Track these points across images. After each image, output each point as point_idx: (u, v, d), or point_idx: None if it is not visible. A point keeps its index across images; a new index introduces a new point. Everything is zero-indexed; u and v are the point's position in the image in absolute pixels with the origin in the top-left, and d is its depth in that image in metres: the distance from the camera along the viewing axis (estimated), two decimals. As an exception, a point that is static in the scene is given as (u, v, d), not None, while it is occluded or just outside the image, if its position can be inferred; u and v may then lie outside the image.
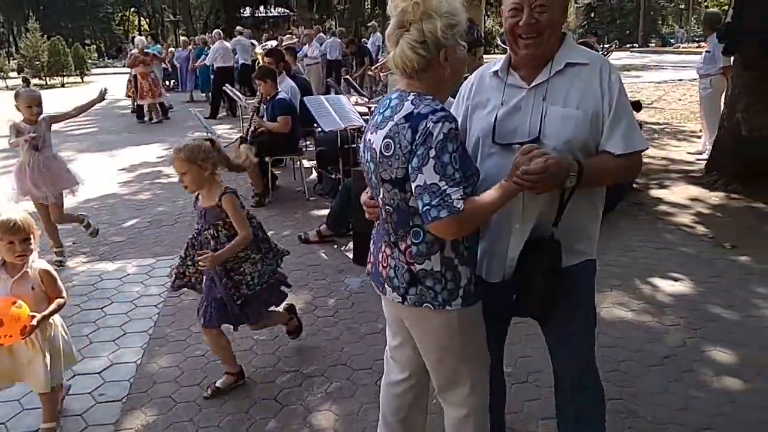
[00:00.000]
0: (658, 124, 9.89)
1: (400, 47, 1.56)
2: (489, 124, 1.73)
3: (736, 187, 5.73)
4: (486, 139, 1.73)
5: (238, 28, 14.00)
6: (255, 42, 14.09)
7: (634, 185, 6.00)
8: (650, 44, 41.46)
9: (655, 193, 5.87)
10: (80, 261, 4.51)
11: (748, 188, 5.67)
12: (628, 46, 41.82)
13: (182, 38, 21.57)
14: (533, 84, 1.69)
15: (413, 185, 1.54)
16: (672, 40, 41.49)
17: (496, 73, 1.78)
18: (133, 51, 11.86)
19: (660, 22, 47.58)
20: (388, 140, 1.59)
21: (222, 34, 12.43)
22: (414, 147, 1.53)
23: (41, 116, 4.20)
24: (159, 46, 15.91)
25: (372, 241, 1.86)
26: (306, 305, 3.63)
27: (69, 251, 4.68)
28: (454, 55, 1.59)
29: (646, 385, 2.74)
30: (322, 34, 14.59)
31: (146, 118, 11.54)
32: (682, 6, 47.20)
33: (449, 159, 1.49)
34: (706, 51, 7.06)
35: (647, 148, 1.71)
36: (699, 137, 7.99)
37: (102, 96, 4.70)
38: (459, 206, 1.47)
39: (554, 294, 1.70)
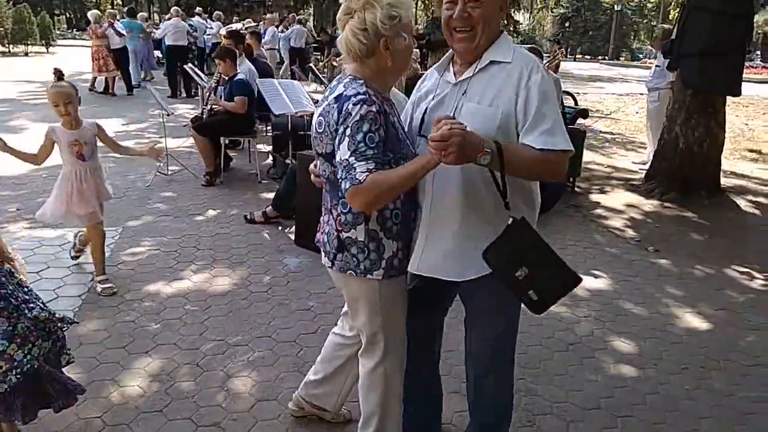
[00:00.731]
0: (612, 134, 10.24)
1: (345, 32, 1.70)
2: (419, 116, 1.85)
3: (672, 197, 6.03)
4: (416, 130, 1.85)
5: (198, 9, 13.97)
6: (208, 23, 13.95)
7: (576, 189, 6.27)
8: (621, 58, 42.41)
9: (595, 197, 6.13)
10: (21, 227, 4.52)
11: (682, 198, 5.97)
12: (599, 58, 42.78)
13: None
14: (459, 80, 1.77)
15: (335, 160, 1.68)
16: (640, 55, 42.55)
17: (438, 68, 1.89)
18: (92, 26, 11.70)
19: (632, 36, 48.67)
20: (321, 118, 1.75)
21: (179, 11, 12.34)
22: (338, 126, 1.67)
23: (87, 122, 3.47)
24: (140, 22, 15.54)
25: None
26: (241, 281, 3.74)
27: (11, 216, 4.69)
28: (396, 46, 1.70)
29: (549, 367, 2.94)
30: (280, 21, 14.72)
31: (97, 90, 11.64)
32: (654, 23, 48.40)
33: (362, 138, 1.62)
34: (656, 65, 7.35)
35: (571, 150, 1.66)
36: (646, 148, 8.32)
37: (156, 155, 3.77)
38: (361, 178, 1.59)
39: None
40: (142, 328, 3.11)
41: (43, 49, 22.55)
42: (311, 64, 9.65)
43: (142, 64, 13.60)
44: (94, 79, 11.84)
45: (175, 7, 13.10)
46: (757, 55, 37.25)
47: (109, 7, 44.91)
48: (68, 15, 45.56)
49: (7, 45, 21.28)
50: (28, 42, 21.66)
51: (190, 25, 12.74)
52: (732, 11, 5.47)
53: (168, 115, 6.26)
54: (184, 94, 11.96)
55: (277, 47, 12.61)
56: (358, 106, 1.64)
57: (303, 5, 29.20)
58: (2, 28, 20.97)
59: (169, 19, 12.27)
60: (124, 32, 11.63)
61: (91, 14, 12.00)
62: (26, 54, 21.26)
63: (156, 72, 14.53)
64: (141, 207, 5.06)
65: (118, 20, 12.18)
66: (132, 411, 2.47)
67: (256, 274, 3.85)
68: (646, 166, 7.13)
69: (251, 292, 3.59)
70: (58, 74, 3.31)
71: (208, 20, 13.96)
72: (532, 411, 2.60)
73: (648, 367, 2.98)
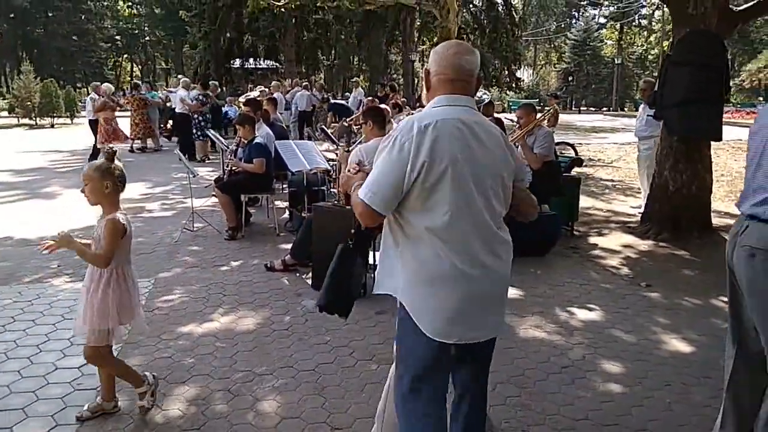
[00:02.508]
0: (612, 181, 10.68)
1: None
2: None
3: (665, 236, 6.38)
4: None
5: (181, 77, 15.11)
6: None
7: (575, 232, 6.65)
8: (625, 108, 43.37)
9: (593, 240, 6.50)
10: (63, 281, 4.96)
11: (675, 238, 6.32)
12: (603, 109, 43.82)
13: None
14: None
15: None
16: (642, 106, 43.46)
17: None
18: (97, 97, 12.31)
19: (634, 88, 49.94)
20: None
21: (188, 83, 13.29)
22: None
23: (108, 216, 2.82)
24: (155, 92, 16.60)
25: None
26: (264, 320, 4.13)
27: (53, 272, 5.14)
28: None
29: (543, 387, 3.26)
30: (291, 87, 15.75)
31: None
32: (655, 74, 49.67)
33: None
34: (648, 115, 7.79)
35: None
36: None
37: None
38: None
39: None
40: (178, 363, 3.49)
41: (68, 120, 23.75)
42: (322, 125, 10.31)
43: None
44: (97, 150, 11.66)
45: (185, 79, 14.07)
46: (760, 101, 37.92)
47: (128, 78, 47.17)
48: (89, 88, 47.67)
49: (34, 118, 22.47)
50: (54, 114, 22.87)
51: (170, 91, 13.88)
52: (708, 63, 5.96)
53: (193, 176, 6.80)
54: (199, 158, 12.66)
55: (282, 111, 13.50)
56: None
57: (314, 71, 30.56)
58: (30, 103, 22.20)
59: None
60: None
61: (106, 87, 12.80)
62: (52, 126, 22.42)
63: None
64: (170, 260, 5.51)
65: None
66: (174, 429, 2.83)
67: (278, 315, 4.23)
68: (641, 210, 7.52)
69: (274, 330, 3.97)
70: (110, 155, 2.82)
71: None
72: (526, 422, 2.92)
73: (634, 385, 3.29)
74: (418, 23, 23.48)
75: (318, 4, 12.73)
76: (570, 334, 3.97)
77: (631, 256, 5.91)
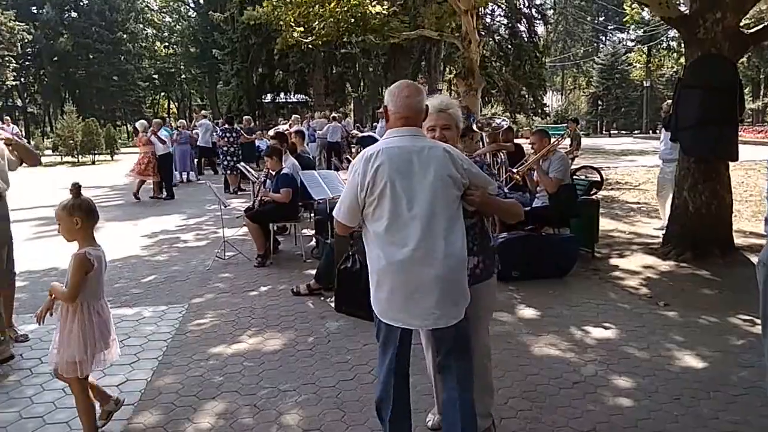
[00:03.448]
0: (638, 203, 10.68)
1: None
2: None
3: (687, 257, 6.42)
4: None
5: (203, 112, 15.92)
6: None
7: (596, 254, 6.73)
8: (657, 131, 42.93)
9: (614, 261, 6.57)
10: (104, 307, 5.29)
11: (696, 258, 6.36)
12: (634, 132, 43.50)
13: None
14: None
15: None
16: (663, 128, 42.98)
17: None
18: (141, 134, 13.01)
19: (665, 110, 49.55)
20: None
21: (205, 115, 14.06)
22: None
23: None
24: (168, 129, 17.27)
25: None
26: (289, 341, 4.35)
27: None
28: None
29: (554, 401, 3.39)
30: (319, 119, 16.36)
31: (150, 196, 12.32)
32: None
33: None
34: (670, 138, 7.87)
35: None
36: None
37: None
38: None
39: None
40: (209, 380, 3.73)
41: (109, 157, 24.75)
42: (347, 156, 10.65)
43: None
44: (139, 184, 12.38)
45: (203, 112, 14.85)
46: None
47: (164, 115, 48.87)
48: (132, 124, 49.49)
49: (76, 155, 23.51)
50: (95, 152, 23.89)
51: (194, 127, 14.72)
52: (719, 86, 6.07)
53: (225, 207, 7.14)
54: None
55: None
56: None
57: (342, 103, 31.25)
58: (73, 141, 23.27)
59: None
60: (166, 140, 12.72)
61: (139, 124, 13.49)
62: (93, 162, 23.42)
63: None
64: (203, 287, 5.81)
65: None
66: (204, 440, 3.05)
67: (302, 336, 4.45)
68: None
69: (298, 350, 4.19)
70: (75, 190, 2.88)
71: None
72: (535, 432, 3.05)
73: (643, 399, 3.39)
74: (443, 54, 23.90)
75: (345, 40, 13.17)
76: (584, 351, 4.08)
77: (651, 276, 5.97)
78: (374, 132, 15.73)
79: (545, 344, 4.20)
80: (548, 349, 4.13)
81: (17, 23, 36.83)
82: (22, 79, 43.60)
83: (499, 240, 5.51)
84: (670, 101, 8.04)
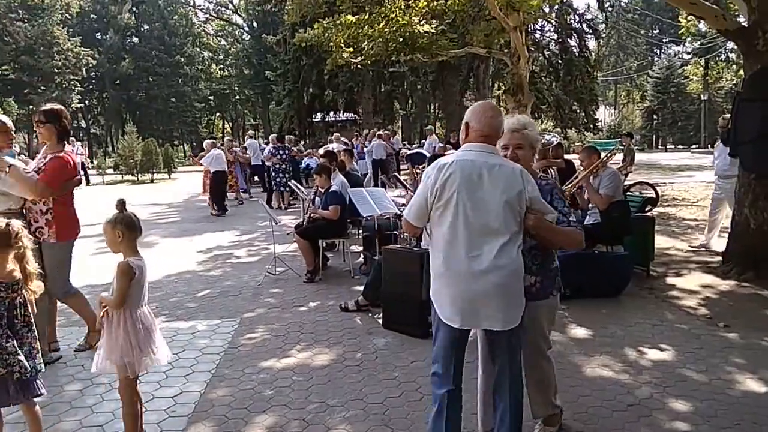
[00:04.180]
0: (696, 220, 10.31)
1: None
2: None
3: (749, 276, 6.16)
4: None
5: (249, 132, 16.51)
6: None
7: (651, 273, 6.53)
8: (713, 146, 41.43)
9: (671, 280, 6.36)
10: (160, 321, 5.46)
11: (758, 277, 6.09)
12: (692, 147, 42.07)
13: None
14: None
15: None
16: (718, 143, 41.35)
17: None
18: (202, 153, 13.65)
19: (725, 123, 47.81)
20: None
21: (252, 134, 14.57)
22: None
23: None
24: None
25: None
26: (337, 357, 4.39)
27: (153, 313, 5.66)
28: None
29: (606, 424, 3.30)
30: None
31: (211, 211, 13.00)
32: (747, 108, 47.22)
33: None
34: (729, 153, 7.59)
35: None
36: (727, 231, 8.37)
37: None
38: None
39: None
40: (259, 394, 3.81)
41: (166, 176, 25.66)
42: (395, 173, 10.73)
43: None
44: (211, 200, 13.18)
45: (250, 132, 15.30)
46: None
47: (219, 134, 50.38)
48: (189, 143, 51.33)
49: (136, 174, 24.48)
50: (154, 170, 24.83)
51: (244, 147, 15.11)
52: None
53: (276, 224, 7.30)
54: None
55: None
56: None
57: (391, 121, 31.50)
58: (133, 160, 24.26)
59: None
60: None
61: (206, 144, 13.98)
62: (152, 181, 24.31)
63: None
64: (254, 302, 5.94)
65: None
66: (254, 452, 3.11)
67: (350, 352, 4.49)
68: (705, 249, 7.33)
69: (346, 366, 4.23)
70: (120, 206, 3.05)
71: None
72: (586, 455, 2.98)
73: (701, 424, 3.26)
74: (491, 70, 23.83)
75: (393, 59, 13.33)
76: (638, 373, 3.96)
77: (710, 296, 5.75)
78: (422, 149, 15.83)
79: (598, 365, 4.10)
80: (601, 370, 4.03)
81: (83, 49, 38.98)
82: (86, 102, 45.91)
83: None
84: (727, 115, 7.79)
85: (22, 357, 2.79)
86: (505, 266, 2.53)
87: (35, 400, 2.95)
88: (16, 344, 2.79)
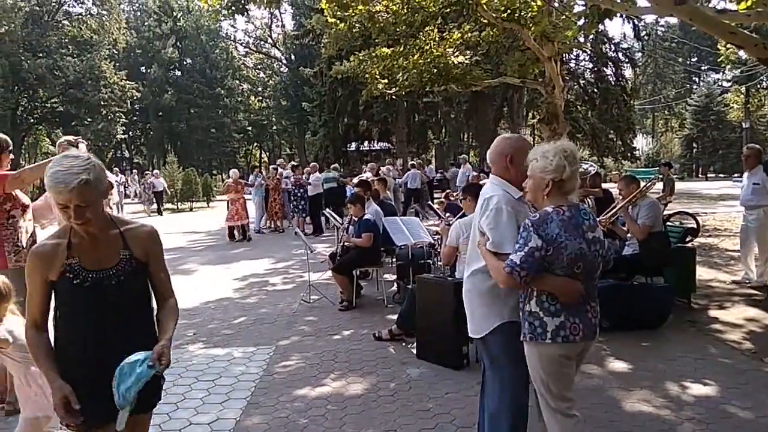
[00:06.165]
0: (738, 251, 9.98)
1: None
2: None
3: (797, 310, 5.94)
4: None
5: (279, 161, 16.90)
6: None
7: (693, 305, 6.36)
8: (741, 175, 40.29)
9: (713, 313, 6.17)
10: (198, 347, 5.56)
11: (808, 311, 5.87)
12: (734, 176, 40.97)
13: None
14: None
15: None
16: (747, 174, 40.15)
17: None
18: (227, 181, 14.06)
19: (768, 152, 46.54)
20: None
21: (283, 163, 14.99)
22: None
23: None
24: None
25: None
26: (371, 386, 4.39)
27: (189, 340, 5.77)
28: None
29: (647, 460, 3.21)
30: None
31: (237, 238, 13.33)
32: (790, 137, 45.98)
33: None
34: (755, 183, 7.33)
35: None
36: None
37: None
38: None
39: None
40: (294, 422, 3.82)
41: (205, 204, 26.23)
42: (430, 202, 10.78)
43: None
44: (231, 228, 13.41)
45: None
46: None
47: (256, 163, 51.35)
48: (223, 174, 52.45)
49: (176, 203, 25.09)
50: (193, 199, 25.42)
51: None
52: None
53: (311, 252, 7.38)
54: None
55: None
56: None
57: (424, 151, 31.67)
58: (173, 189, 24.89)
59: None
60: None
61: (233, 173, 14.43)
62: (191, 209, 24.87)
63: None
64: (289, 329, 5.99)
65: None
66: (288, 481, 3.12)
67: (384, 381, 4.48)
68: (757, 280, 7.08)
69: (380, 396, 4.22)
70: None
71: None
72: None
73: (748, 463, 3.15)
74: (526, 99, 23.84)
75: (427, 89, 13.48)
76: (680, 408, 3.84)
77: (755, 330, 5.56)
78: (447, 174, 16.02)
79: (638, 399, 4.00)
80: (641, 405, 3.92)
81: (128, 82, 40.46)
82: (130, 133, 47.50)
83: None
84: (753, 144, 7.64)
85: None
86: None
87: None
88: None
